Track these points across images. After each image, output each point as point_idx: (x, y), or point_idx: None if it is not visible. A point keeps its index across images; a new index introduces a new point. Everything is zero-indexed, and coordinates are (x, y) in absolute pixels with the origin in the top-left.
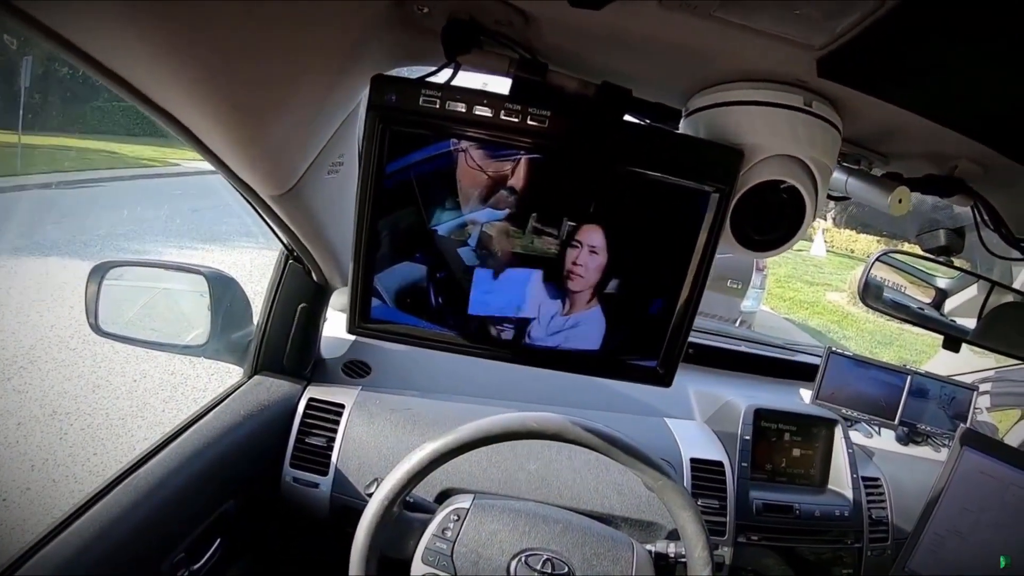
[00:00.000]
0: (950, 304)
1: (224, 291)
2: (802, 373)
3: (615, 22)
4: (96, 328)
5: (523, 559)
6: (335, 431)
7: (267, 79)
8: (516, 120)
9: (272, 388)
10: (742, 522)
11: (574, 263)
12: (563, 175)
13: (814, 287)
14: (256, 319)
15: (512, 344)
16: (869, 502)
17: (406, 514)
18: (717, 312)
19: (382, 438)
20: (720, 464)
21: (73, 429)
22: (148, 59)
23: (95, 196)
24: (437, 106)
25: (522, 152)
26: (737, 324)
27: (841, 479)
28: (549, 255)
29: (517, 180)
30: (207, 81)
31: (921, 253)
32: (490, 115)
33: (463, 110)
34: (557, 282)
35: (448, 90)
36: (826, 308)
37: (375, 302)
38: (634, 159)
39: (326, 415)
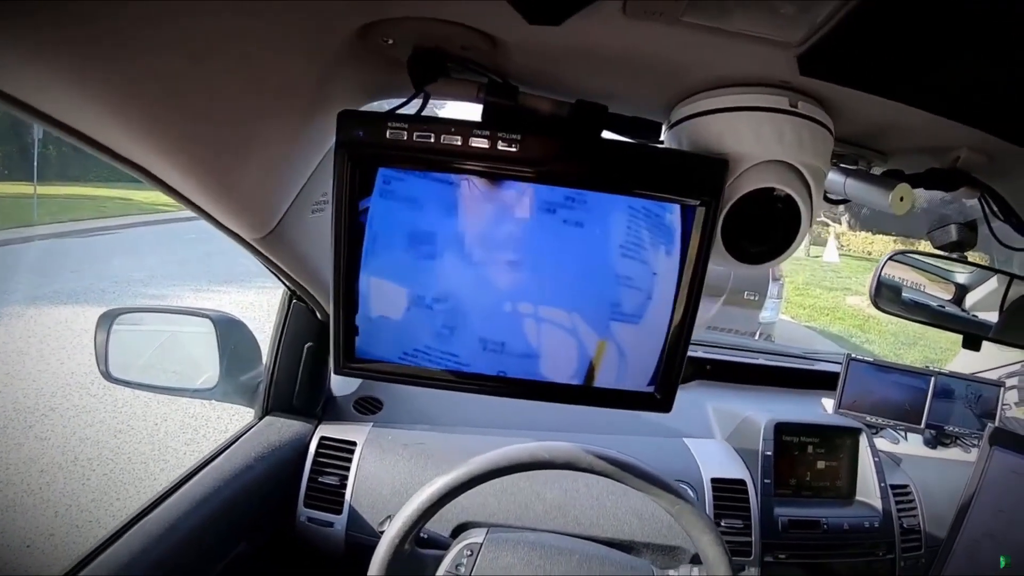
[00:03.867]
0: (971, 299)
1: (231, 334)
2: (823, 382)
3: (582, 38)
4: (107, 375)
5: None
6: (348, 469)
7: (232, 124)
8: (486, 146)
9: (283, 428)
10: (768, 541)
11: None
12: (536, 202)
13: (833, 292)
14: (265, 360)
15: (502, 378)
16: (899, 511)
17: (418, 551)
18: (735, 326)
19: (395, 474)
20: (742, 482)
21: (95, 475)
22: (105, 113)
23: (110, 243)
24: (404, 138)
25: (496, 178)
26: (757, 336)
27: (869, 489)
28: (532, 291)
29: (494, 207)
30: (169, 132)
31: (935, 251)
32: (459, 143)
33: (431, 140)
34: (543, 315)
35: (414, 121)
36: (847, 313)
37: (359, 340)
38: (612, 178)
39: (338, 453)
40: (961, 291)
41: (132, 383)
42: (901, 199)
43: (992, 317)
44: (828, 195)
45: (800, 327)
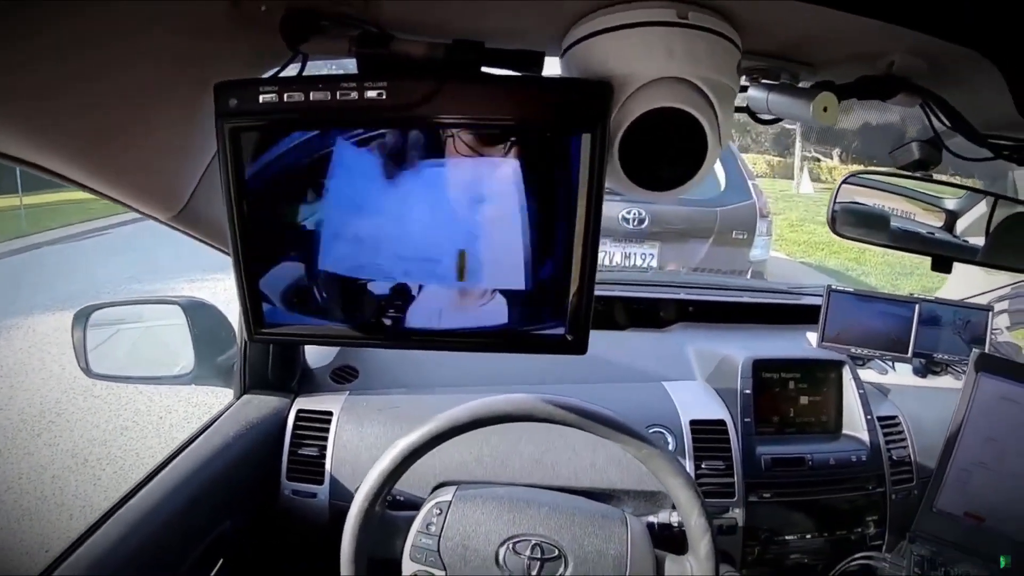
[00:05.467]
0: (961, 224)
1: (201, 317)
2: (809, 316)
3: None
4: (87, 371)
5: (511, 546)
6: (326, 439)
7: (110, 109)
8: (355, 97)
9: (260, 405)
10: (751, 480)
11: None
12: (417, 145)
13: (828, 227)
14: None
15: (411, 331)
16: (888, 442)
17: (389, 513)
18: (725, 266)
19: (372, 439)
20: (722, 423)
21: (106, 474)
22: None
23: (102, 244)
24: (275, 100)
25: (370, 129)
26: (748, 275)
27: (855, 422)
28: (427, 235)
29: (373, 160)
30: (43, 122)
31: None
32: (328, 98)
33: (302, 99)
34: (439, 260)
35: (284, 82)
36: (842, 247)
37: (267, 306)
38: (487, 113)
39: (316, 424)
40: (951, 217)
41: (112, 376)
42: (825, 109)
43: (982, 242)
44: (756, 115)
45: (794, 263)
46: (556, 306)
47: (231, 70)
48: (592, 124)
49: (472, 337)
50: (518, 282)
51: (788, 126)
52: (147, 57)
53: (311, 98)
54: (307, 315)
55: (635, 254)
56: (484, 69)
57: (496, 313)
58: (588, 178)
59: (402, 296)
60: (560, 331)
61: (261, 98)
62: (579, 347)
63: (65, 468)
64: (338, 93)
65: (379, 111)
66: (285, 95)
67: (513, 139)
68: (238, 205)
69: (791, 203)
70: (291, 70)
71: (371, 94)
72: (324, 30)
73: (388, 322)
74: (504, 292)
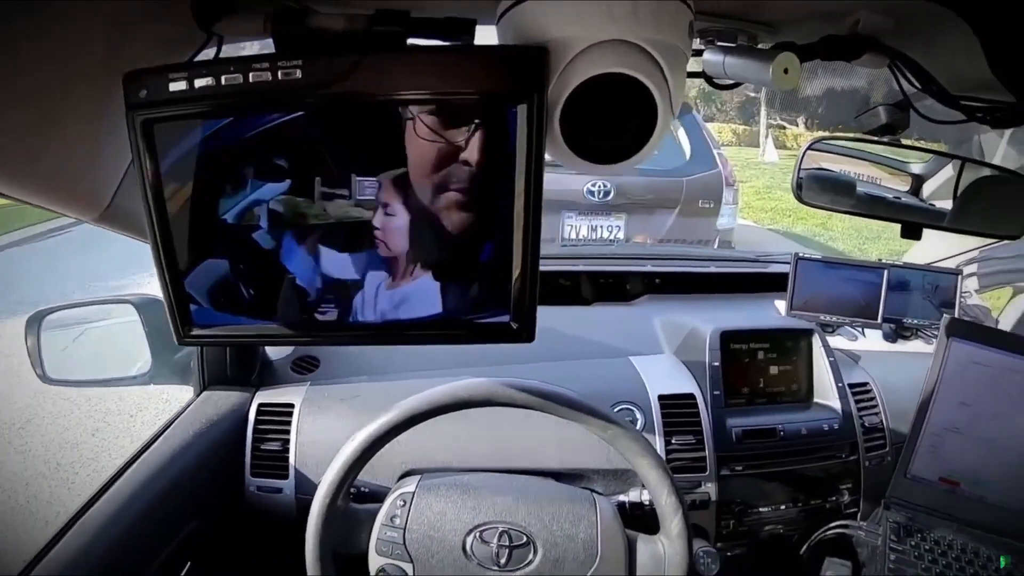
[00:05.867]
0: (928, 188)
1: (155, 314)
2: (777, 284)
3: None
4: (44, 378)
5: (478, 535)
6: (288, 432)
7: (22, 111)
8: (269, 79)
9: (220, 401)
10: (723, 453)
11: (375, 226)
12: (337, 126)
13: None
14: None
15: (346, 325)
16: (860, 409)
17: (353, 507)
18: (692, 235)
19: (335, 430)
20: (691, 396)
21: (79, 477)
22: None
23: (69, 241)
24: (185, 87)
25: (286, 112)
26: (716, 244)
27: (826, 390)
28: (355, 220)
29: (290, 144)
30: None
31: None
32: (240, 81)
33: (213, 83)
34: (370, 249)
35: (193, 67)
36: (809, 213)
37: (194, 307)
38: (414, 88)
39: (277, 417)
40: (918, 181)
41: (70, 382)
42: (786, 71)
43: (949, 205)
44: (713, 79)
45: (762, 230)
46: (499, 292)
47: (147, 59)
48: (527, 94)
49: (412, 329)
50: (454, 267)
51: (752, 94)
52: (55, 55)
53: (223, 82)
54: (237, 314)
55: (601, 227)
56: (411, 40)
57: (434, 301)
58: (526, 153)
59: (333, 289)
60: (505, 319)
61: (171, 86)
62: (525, 335)
63: (38, 475)
64: (251, 75)
65: (295, 92)
66: (196, 81)
67: (442, 114)
68: (156, 201)
69: (757, 171)
70: (209, 54)
71: (286, 74)
72: (237, 8)
73: (322, 318)
74: (442, 279)
